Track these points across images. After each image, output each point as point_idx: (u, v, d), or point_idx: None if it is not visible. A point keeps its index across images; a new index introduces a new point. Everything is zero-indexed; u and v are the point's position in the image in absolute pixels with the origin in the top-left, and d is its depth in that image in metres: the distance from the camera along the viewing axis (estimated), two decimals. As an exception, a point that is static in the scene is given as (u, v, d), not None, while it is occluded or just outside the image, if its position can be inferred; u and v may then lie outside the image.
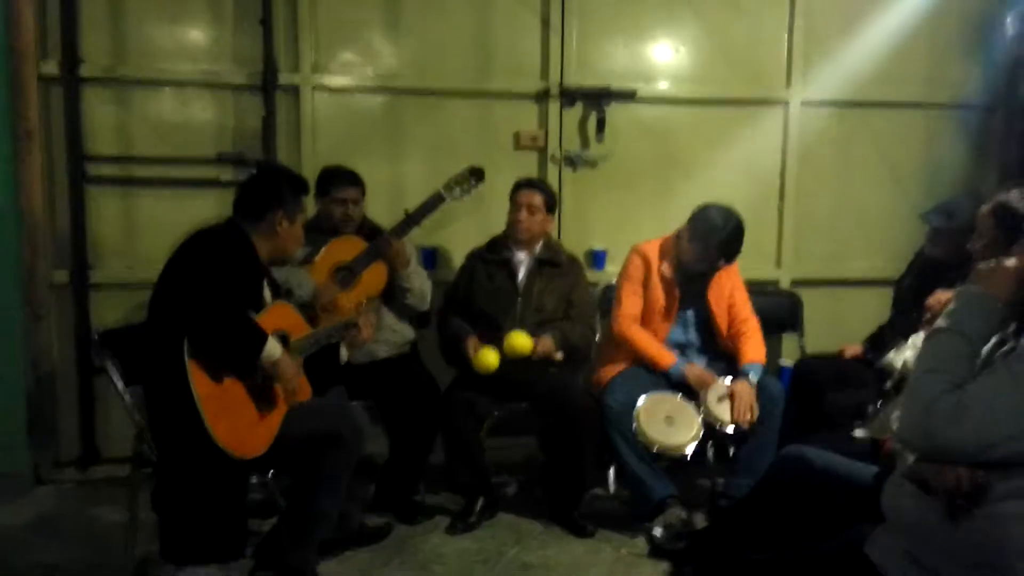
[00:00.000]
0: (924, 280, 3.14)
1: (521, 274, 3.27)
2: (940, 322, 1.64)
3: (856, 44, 3.83)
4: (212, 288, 2.30)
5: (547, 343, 3.10)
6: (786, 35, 3.84)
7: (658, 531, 2.83)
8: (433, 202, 3.17)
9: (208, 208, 3.38)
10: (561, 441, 3.07)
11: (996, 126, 3.92)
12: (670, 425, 2.99)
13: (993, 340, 1.68)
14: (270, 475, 2.87)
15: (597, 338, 3.49)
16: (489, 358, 3.03)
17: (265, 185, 2.61)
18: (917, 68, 3.90)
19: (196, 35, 3.49)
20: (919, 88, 3.92)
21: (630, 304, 3.24)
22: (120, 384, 2.66)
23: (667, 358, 3.17)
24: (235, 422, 2.34)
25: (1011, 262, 1.62)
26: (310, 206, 3.01)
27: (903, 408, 1.63)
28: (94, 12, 3.36)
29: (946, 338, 1.60)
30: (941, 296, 2.58)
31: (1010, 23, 3.79)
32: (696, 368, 3.17)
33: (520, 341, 3.04)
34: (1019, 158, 3.81)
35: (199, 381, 2.28)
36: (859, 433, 2.53)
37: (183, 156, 3.48)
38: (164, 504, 2.41)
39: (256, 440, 2.39)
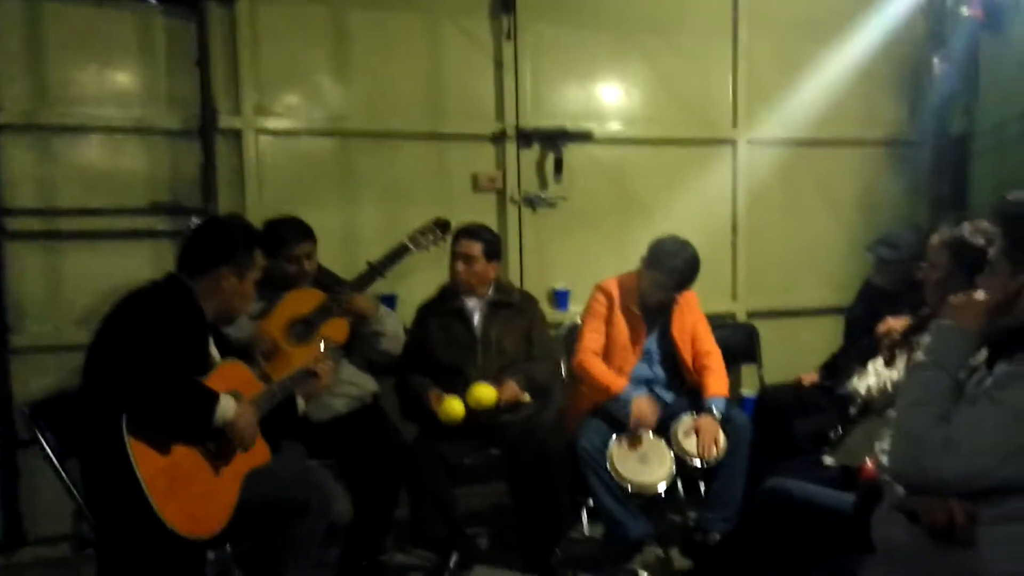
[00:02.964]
0: (873, 308, 3.25)
1: (476, 320, 3.22)
2: (920, 356, 1.70)
3: (796, 86, 3.99)
4: (149, 353, 2.12)
5: (512, 388, 3.06)
6: (730, 77, 3.98)
7: (644, 574, 2.80)
8: (397, 253, 3.10)
9: (143, 261, 3.26)
10: (534, 485, 3.01)
11: (927, 161, 4.11)
12: (643, 463, 3.02)
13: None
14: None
15: (563, 372, 3.48)
16: (454, 407, 2.97)
17: (212, 238, 2.43)
18: (854, 107, 4.08)
19: (125, 78, 3.30)
20: (856, 126, 4.11)
21: (590, 340, 3.28)
22: (54, 459, 2.44)
23: (615, 385, 3.16)
24: (187, 499, 2.14)
25: (980, 295, 1.70)
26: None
27: (892, 442, 1.69)
28: (10, 54, 3.14)
29: (928, 372, 1.67)
30: (891, 323, 2.66)
31: (937, 64, 4.00)
32: (643, 405, 3.12)
33: (484, 393, 3.00)
34: (950, 191, 4.00)
35: (143, 459, 2.07)
36: (828, 460, 2.57)
37: (113, 207, 3.27)
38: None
39: (212, 516, 2.20)
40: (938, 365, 1.66)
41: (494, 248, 3.25)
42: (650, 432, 3.11)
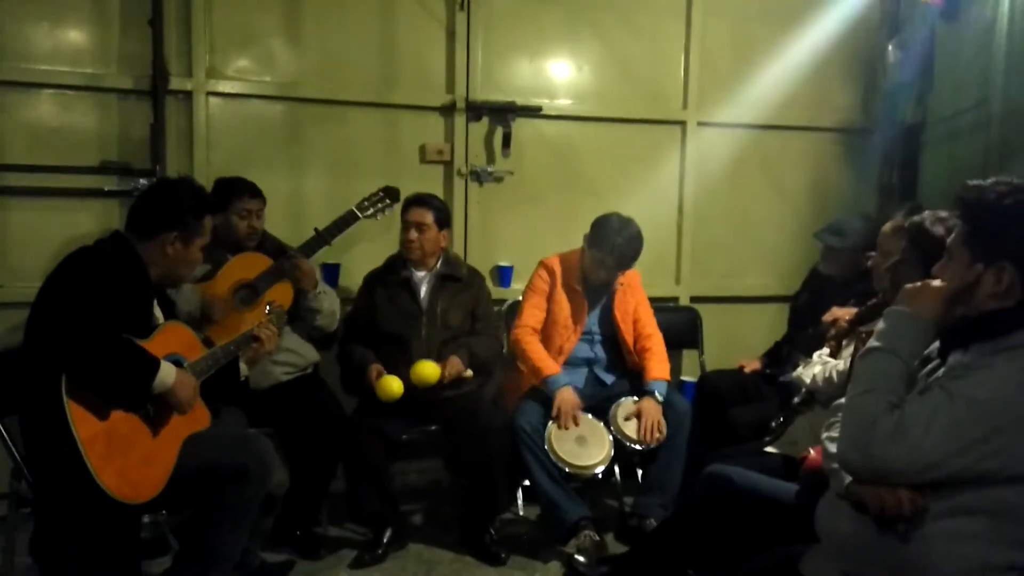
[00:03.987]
0: (819, 297, 3.25)
1: (423, 292, 3.18)
2: (873, 342, 1.65)
3: (749, 69, 3.95)
4: (90, 313, 2.06)
5: (456, 364, 3.04)
6: (683, 58, 3.92)
7: (580, 558, 2.77)
8: (345, 221, 3.09)
9: (91, 220, 3.22)
10: (472, 462, 2.99)
11: (878, 149, 4.09)
12: (582, 445, 2.98)
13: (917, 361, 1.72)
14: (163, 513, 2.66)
15: (504, 349, 3.45)
16: (393, 386, 2.94)
17: (162, 201, 2.37)
18: (807, 93, 4.03)
19: (77, 36, 3.26)
20: (808, 112, 4.07)
21: (530, 315, 3.25)
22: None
23: (548, 369, 3.12)
24: (125, 463, 2.10)
25: (936, 283, 1.65)
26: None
27: (841, 428, 1.64)
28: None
29: (881, 358, 1.62)
30: (837, 312, 2.66)
31: (891, 51, 3.96)
32: (568, 396, 3.05)
33: (427, 371, 2.96)
34: (900, 180, 4.00)
35: (81, 422, 2.03)
36: (770, 449, 2.56)
37: (62, 165, 3.23)
38: (45, 550, 2.18)
39: (149, 481, 2.16)
40: (891, 351, 1.61)
41: (444, 216, 3.22)
42: (589, 414, 3.08)
